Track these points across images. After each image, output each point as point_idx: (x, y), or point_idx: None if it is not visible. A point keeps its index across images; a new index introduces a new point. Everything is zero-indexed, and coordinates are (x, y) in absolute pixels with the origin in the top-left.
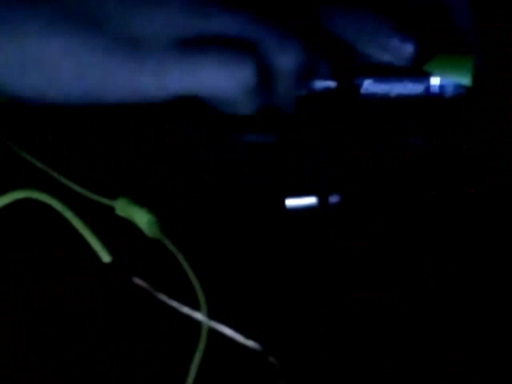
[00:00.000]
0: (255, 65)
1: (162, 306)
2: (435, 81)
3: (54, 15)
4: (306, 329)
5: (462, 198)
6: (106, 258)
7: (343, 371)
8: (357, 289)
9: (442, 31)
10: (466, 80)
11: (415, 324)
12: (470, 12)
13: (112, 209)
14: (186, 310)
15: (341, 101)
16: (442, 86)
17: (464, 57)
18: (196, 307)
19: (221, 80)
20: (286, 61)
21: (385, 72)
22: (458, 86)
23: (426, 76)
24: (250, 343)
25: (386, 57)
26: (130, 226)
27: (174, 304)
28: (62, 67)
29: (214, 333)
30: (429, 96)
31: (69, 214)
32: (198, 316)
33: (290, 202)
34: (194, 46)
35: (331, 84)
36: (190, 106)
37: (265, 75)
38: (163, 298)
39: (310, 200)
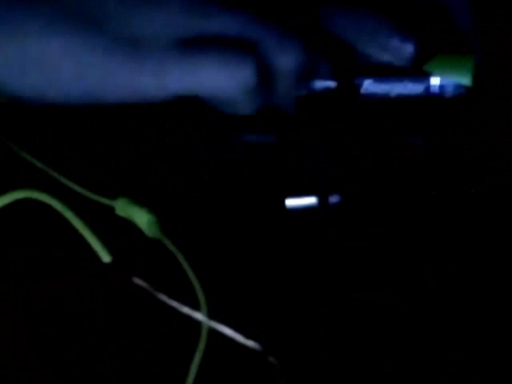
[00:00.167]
0: (255, 65)
1: (162, 306)
2: (435, 81)
3: (54, 15)
4: (306, 329)
5: (462, 198)
6: (106, 258)
7: (343, 371)
8: (357, 289)
9: (442, 31)
10: (466, 80)
11: (415, 324)
12: (470, 12)
13: (112, 209)
14: (185, 310)
15: (341, 101)
16: (442, 86)
17: (464, 57)
18: (196, 307)
19: (221, 80)
20: (286, 61)
21: (385, 72)
22: (458, 86)
23: (425, 76)
24: (250, 343)
25: (386, 57)
26: (130, 226)
27: (174, 304)
28: (62, 67)
29: (213, 333)
30: (429, 96)
31: (69, 214)
32: (198, 316)
33: (290, 202)
34: (194, 46)
35: (331, 84)
36: (190, 106)
37: (265, 75)
38: (163, 298)
39: (310, 200)
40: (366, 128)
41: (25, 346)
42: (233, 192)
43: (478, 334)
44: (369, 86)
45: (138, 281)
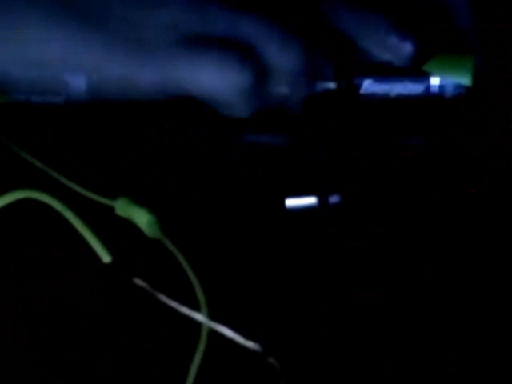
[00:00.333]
0: (252, 68)
1: (162, 306)
2: (435, 81)
3: (54, 15)
4: (306, 329)
5: (462, 198)
6: (106, 258)
7: (343, 371)
8: (357, 289)
9: (442, 31)
10: (466, 80)
11: (415, 324)
12: (470, 12)
13: (112, 209)
14: (185, 310)
15: (341, 101)
16: (442, 86)
17: (464, 57)
18: (196, 308)
19: (216, 82)
20: (286, 61)
21: (385, 72)
22: (458, 86)
23: (425, 76)
24: (250, 344)
25: (385, 55)
26: (130, 226)
27: (174, 304)
28: (62, 65)
29: (213, 333)
30: (429, 96)
31: (69, 214)
32: (198, 316)
33: (290, 202)
34: (194, 46)
35: (331, 84)
36: (190, 106)
37: (263, 78)
38: (163, 298)
39: (310, 200)
40: (365, 128)
41: (25, 346)
42: (233, 192)
43: (478, 333)
44: (369, 85)
45: (138, 281)
